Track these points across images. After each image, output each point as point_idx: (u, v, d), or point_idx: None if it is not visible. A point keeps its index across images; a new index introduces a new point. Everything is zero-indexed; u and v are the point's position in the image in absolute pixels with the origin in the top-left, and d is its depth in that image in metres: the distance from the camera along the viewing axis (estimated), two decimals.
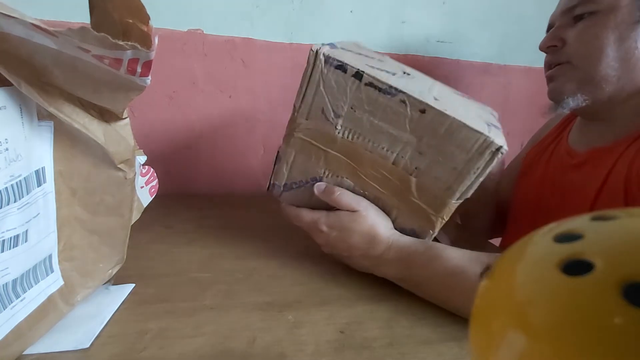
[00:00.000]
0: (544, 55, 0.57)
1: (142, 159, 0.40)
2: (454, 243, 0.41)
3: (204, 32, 0.68)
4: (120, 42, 0.23)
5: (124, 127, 0.33)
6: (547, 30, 0.57)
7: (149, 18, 0.24)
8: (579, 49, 0.52)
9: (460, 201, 0.40)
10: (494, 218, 0.71)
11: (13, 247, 0.27)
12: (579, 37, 0.51)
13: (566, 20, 0.53)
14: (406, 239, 0.41)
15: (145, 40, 0.24)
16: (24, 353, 0.29)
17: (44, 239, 0.29)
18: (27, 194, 0.27)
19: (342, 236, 0.42)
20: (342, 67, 0.36)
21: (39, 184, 0.28)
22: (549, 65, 0.57)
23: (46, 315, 0.30)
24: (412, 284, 0.40)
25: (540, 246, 0.14)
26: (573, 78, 0.53)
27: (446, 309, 0.38)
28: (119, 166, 0.33)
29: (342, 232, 0.41)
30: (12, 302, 0.27)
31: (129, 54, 0.24)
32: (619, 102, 0.51)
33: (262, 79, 0.72)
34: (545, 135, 0.68)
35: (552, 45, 0.54)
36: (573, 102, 0.53)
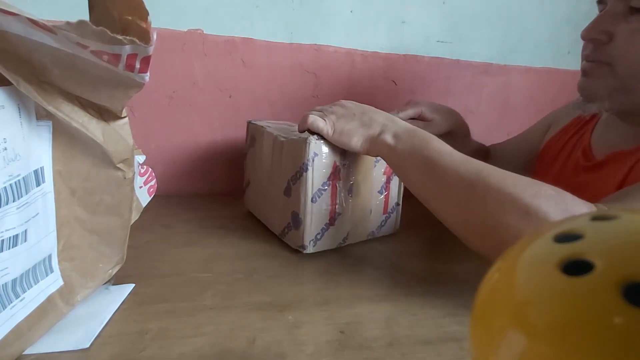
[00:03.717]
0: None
1: (140, 158, 0.40)
2: None
3: (204, 32, 0.67)
4: (119, 37, 0.23)
5: (122, 127, 0.33)
6: (598, 3, 0.50)
7: (147, 14, 0.24)
8: (625, 54, 0.45)
9: None
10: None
11: (12, 247, 0.26)
12: (628, 40, 0.45)
13: (620, 8, 0.45)
14: None
15: (143, 36, 0.24)
16: (24, 353, 0.29)
17: (44, 239, 0.29)
18: (26, 193, 0.27)
19: (345, 108, 0.48)
20: None
21: (38, 184, 0.28)
22: (586, 58, 0.50)
23: (46, 315, 0.30)
24: (409, 152, 0.42)
25: (540, 246, 0.14)
26: (608, 84, 0.47)
27: (418, 192, 0.42)
28: (118, 166, 0.33)
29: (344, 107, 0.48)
30: (11, 302, 0.27)
31: (127, 49, 0.24)
32: None
33: (262, 79, 0.72)
34: (564, 126, 0.65)
35: (596, 39, 0.47)
36: (597, 108, 0.50)
